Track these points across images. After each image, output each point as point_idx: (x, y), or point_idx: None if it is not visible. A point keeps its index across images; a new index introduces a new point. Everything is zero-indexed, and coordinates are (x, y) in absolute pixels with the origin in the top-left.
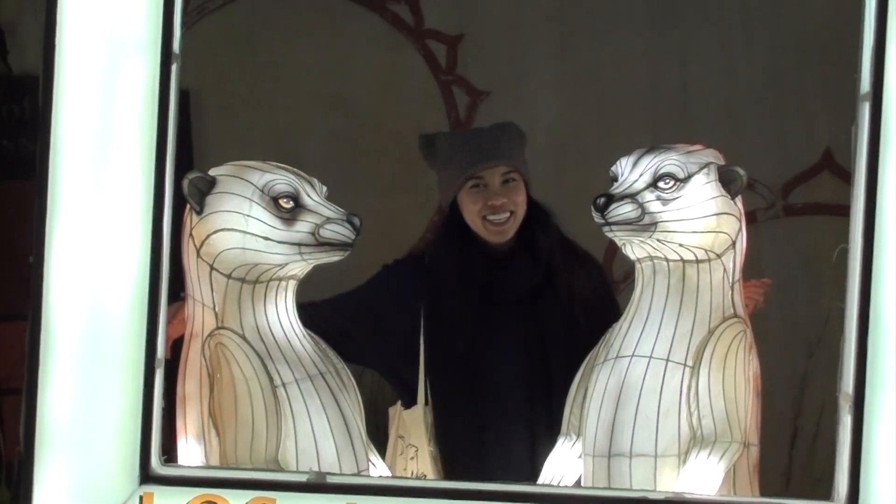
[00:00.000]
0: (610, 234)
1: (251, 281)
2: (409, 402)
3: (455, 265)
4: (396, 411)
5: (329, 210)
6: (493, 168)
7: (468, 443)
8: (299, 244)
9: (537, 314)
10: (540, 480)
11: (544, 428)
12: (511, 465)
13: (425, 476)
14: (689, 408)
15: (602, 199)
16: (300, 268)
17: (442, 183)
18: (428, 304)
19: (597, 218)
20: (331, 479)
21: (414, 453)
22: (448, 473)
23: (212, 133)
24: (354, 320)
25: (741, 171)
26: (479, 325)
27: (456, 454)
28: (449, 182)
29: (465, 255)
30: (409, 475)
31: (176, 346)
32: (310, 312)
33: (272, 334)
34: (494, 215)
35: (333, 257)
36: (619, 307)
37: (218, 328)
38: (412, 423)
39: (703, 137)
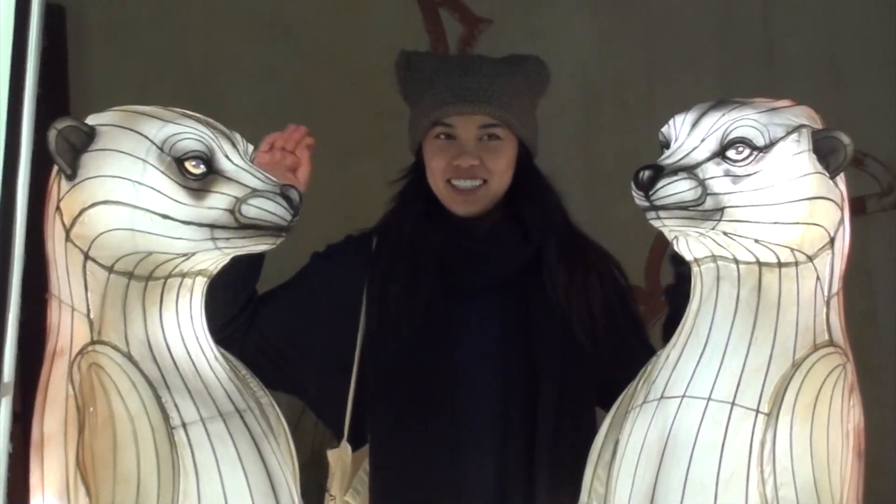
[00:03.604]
0: (657, 223)
1: (142, 276)
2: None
3: (409, 236)
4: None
5: (256, 179)
6: (469, 116)
7: (411, 493)
8: (212, 225)
9: (524, 317)
10: None
11: (517, 486)
12: None
13: None
14: (763, 472)
15: (647, 173)
16: (213, 259)
17: (410, 122)
18: (370, 295)
19: (639, 199)
20: None
21: None
22: None
23: (96, 67)
24: (275, 332)
25: (845, 140)
26: (435, 320)
27: None
28: (414, 123)
29: (425, 225)
30: None
31: (33, 366)
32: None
33: (170, 353)
34: (459, 180)
35: (261, 245)
36: (643, 326)
37: (93, 343)
38: (335, 468)
39: (793, 93)
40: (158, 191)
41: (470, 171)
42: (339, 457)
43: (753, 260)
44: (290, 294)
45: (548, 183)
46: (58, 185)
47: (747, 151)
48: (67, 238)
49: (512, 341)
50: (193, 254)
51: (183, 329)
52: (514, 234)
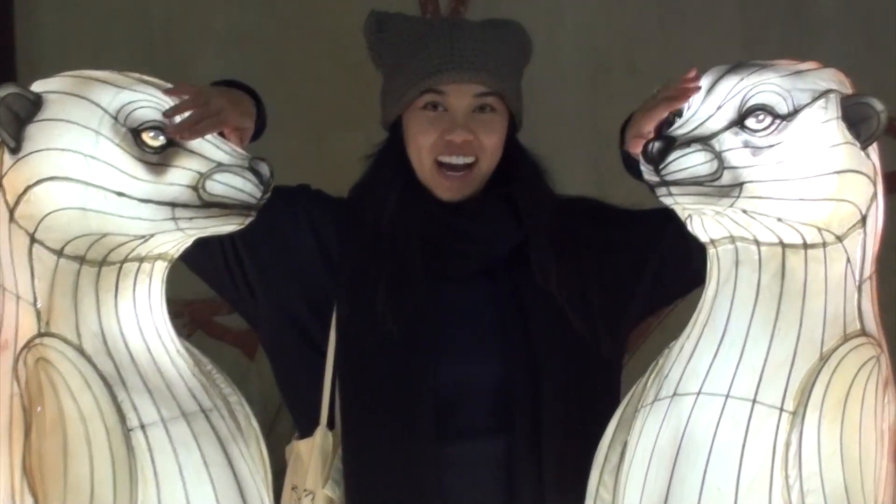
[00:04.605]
0: (668, 200)
1: (95, 261)
2: (310, 429)
3: (390, 221)
4: (292, 450)
5: (221, 152)
6: (464, 84)
7: (388, 486)
8: (173, 203)
9: (518, 303)
10: None
11: (526, 479)
12: None
13: None
14: (788, 477)
15: (657, 145)
16: (174, 241)
17: (385, 92)
18: (344, 286)
19: (647, 173)
20: None
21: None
22: None
23: (45, 27)
24: (246, 239)
25: (878, 106)
26: (423, 310)
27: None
28: (394, 92)
29: (408, 207)
30: None
31: None
32: None
33: (127, 347)
34: (450, 156)
35: (227, 225)
36: (644, 212)
37: (41, 335)
38: (310, 459)
39: (821, 54)
40: (113, 165)
41: (464, 146)
42: (319, 446)
43: (776, 241)
44: (274, 208)
45: (537, 162)
46: (0, 160)
47: (769, 120)
48: (11, 219)
49: (509, 329)
50: (152, 235)
51: (141, 320)
52: (504, 215)
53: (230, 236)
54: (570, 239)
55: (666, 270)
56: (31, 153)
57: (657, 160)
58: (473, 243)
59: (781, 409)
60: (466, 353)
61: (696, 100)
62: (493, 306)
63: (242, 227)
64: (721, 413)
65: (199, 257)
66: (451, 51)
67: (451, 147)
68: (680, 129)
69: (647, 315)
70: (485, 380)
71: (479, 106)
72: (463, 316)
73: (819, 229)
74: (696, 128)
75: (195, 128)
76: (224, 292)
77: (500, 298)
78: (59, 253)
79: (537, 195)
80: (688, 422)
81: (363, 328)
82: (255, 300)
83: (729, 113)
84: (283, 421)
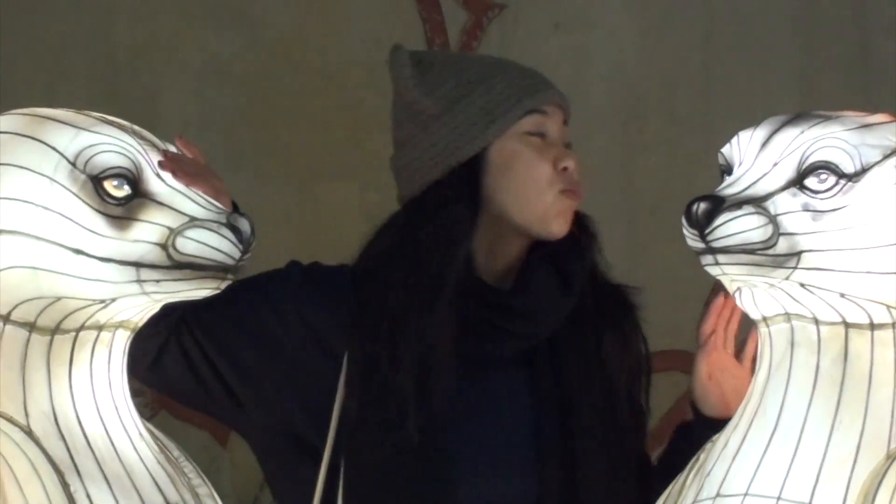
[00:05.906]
0: (714, 270)
1: (47, 328)
2: None
3: (452, 283)
4: None
5: (195, 204)
6: (558, 109)
7: None
8: (138, 264)
9: (558, 394)
10: None
11: None
12: None
13: None
14: None
15: (702, 206)
16: (138, 307)
17: (449, 127)
18: (355, 363)
19: (692, 239)
20: None
21: None
22: None
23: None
24: (215, 337)
25: None
26: (448, 404)
27: None
28: (471, 122)
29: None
30: None
31: None
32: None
33: (82, 428)
34: (571, 184)
35: (201, 289)
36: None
37: None
38: None
39: (893, 106)
40: (69, 218)
41: (575, 178)
42: None
43: (838, 319)
44: (252, 301)
45: (583, 213)
46: None
47: (832, 180)
48: None
49: (546, 434)
50: (113, 300)
51: (98, 397)
52: (553, 284)
53: (199, 347)
54: (623, 312)
55: None
56: None
57: (703, 223)
58: (524, 321)
59: None
60: (495, 465)
61: (748, 154)
62: (530, 401)
63: (218, 291)
64: None
65: (161, 378)
66: (534, 73)
67: (570, 177)
68: (730, 188)
69: None
70: (514, 500)
71: (566, 143)
72: (493, 415)
73: (888, 307)
74: (748, 187)
75: (191, 175)
76: (202, 408)
77: (538, 391)
78: (6, 319)
79: (591, 255)
80: None
81: (375, 430)
82: (240, 409)
83: (786, 171)
84: None
